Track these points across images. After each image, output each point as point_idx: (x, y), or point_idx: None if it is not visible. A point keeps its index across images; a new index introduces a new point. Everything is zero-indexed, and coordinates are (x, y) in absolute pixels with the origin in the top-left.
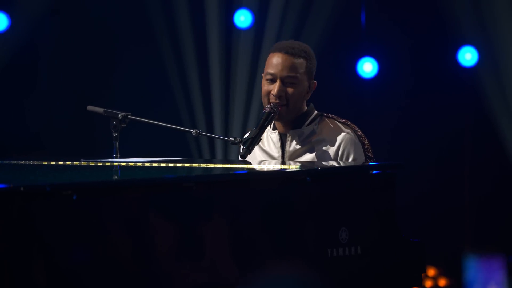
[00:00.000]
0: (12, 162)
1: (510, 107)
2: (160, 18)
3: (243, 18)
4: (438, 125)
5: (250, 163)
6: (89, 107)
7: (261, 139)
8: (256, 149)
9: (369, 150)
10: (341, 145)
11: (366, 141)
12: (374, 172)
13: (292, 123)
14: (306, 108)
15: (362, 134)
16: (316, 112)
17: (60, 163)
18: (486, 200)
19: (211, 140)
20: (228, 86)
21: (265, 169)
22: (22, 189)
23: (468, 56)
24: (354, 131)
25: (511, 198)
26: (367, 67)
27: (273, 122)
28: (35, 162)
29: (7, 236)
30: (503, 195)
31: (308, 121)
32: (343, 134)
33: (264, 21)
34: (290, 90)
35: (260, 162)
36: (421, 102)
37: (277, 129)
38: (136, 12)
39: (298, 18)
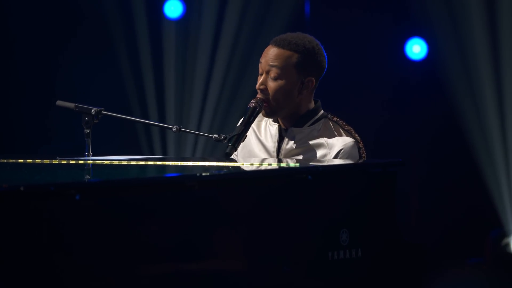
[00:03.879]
0: None
1: (463, 102)
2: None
3: (173, 8)
4: (385, 120)
5: (236, 161)
6: (59, 102)
7: (246, 135)
8: (253, 137)
9: None
10: (340, 153)
11: (364, 155)
12: (374, 170)
13: (294, 120)
14: (312, 106)
15: (362, 147)
16: (322, 112)
17: (38, 161)
18: (441, 202)
19: (182, 136)
20: (161, 79)
21: (264, 167)
22: (22, 188)
23: (416, 48)
24: (356, 141)
25: (470, 198)
26: None
27: None
28: (10, 161)
29: (10, 237)
30: (458, 195)
31: (311, 121)
32: (344, 143)
33: (196, 11)
34: (271, 83)
35: (253, 159)
36: (368, 97)
37: (278, 123)
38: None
39: (235, 9)
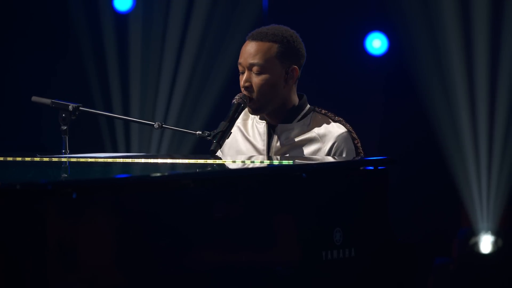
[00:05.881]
0: None
1: (428, 98)
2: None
3: (122, 2)
4: (345, 117)
5: (221, 158)
6: (34, 98)
7: (231, 132)
8: (240, 137)
9: (362, 153)
10: (334, 146)
11: (359, 144)
12: (367, 168)
13: (282, 116)
14: (297, 100)
15: (356, 136)
16: (308, 106)
17: (19, 159)
18: (409, 200)
19: (146, 132)
20: (126, 73)
21: (257, 165)
22: (18, 187)
23: (376, 43)
24: (348, 131)
25: (438, 196)
26: None
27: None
28: None
29: (6, 236)
30: (427, 193)
31: (300, 116)
32: (337, 134)
33: (147, 3)
34: (255, 79)
35: (245, 157)
36: (327, 93)
37: (265, 120)
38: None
39: (201, 5)
